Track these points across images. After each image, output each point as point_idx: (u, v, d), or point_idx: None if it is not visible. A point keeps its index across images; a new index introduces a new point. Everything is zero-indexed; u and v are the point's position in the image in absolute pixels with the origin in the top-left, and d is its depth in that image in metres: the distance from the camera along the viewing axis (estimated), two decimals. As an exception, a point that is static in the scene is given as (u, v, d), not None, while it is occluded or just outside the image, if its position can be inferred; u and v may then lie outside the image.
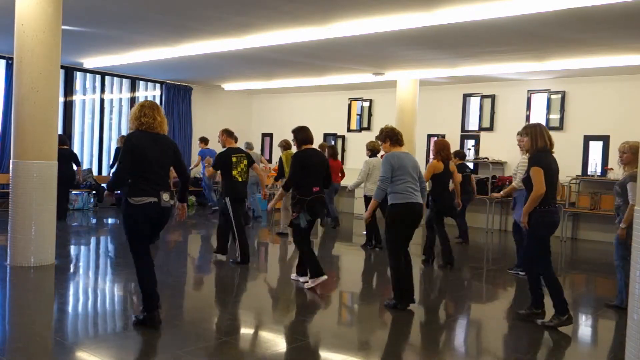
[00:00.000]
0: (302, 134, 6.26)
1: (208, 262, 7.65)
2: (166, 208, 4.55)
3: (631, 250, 3.08)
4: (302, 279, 6.37)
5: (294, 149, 6.67)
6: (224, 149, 7.51)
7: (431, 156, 8.70)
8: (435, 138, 12.85)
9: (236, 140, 7.72)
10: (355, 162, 14.04)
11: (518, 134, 7.18)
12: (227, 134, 7.68)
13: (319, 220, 9.41)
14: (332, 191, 11.40)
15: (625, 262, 5.83)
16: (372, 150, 9.27)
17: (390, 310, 5.45)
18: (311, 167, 6.11)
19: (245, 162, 7.46)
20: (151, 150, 4.49)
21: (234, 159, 7.33)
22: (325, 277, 6.19)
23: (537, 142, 5.04)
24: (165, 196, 4.52)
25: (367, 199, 8.99)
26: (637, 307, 3.00)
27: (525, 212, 5.06)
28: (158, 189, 4.49)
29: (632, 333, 3.04)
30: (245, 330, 4.87)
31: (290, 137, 6.69)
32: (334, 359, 4.32)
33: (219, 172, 7.56)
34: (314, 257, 6.22)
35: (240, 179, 7.37)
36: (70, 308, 5.35)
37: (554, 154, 5.21)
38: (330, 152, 11.19)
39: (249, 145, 12.51)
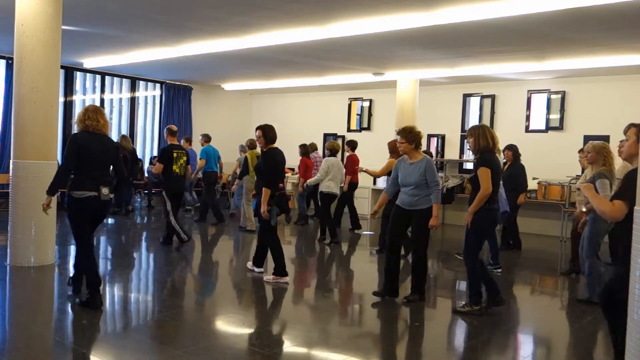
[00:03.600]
0: (273, 133, 6.44)
1: (207, 262, 7.67)
2: (106, 201, 5.07)
3: (631, 249, 3.09)
4: (257, 269, 6.62)
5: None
6: (167, 145, 8.36)
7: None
8: (435, 138, 12.97)
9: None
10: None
11: None
12: (168, 131, 8.57)
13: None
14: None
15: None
16: (332, 150, 9.91)
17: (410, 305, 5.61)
18: (280, 165, 6.43)
19: (185, 158, 8.27)
20: (95, 148, 5.01)
21: (174, 154, 8.11)
22: (287, 278, 6.33)
23: (480, 142, 5.23)
24: (105, 190, 5.02)
25: (323, 195, 9.49)
26: (637, 307, 3.00)
27: (471, 212, 5.17)
28: (98, 184, 4.98)
29: (632, 333, 3.04)
30: (246, 330, 4.87)
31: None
32: (334, 359, 4.32)
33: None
34: (281, 255, 6.36)
35: (179, 173, 8.14)
36: (70, 308, 5.35)
37: (500, 155, 5.40)
38: (303, 150, 11.38)
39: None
